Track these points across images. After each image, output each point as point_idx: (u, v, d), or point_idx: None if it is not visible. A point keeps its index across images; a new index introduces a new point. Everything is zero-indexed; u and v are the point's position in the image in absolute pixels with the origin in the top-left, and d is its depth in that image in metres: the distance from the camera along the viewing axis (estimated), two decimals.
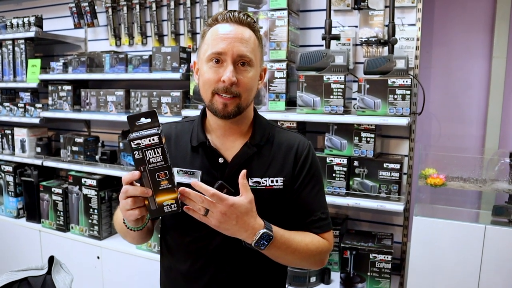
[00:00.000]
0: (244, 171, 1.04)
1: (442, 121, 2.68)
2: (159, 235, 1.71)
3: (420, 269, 2.06)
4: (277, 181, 1.19)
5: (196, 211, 1.01)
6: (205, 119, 1.26)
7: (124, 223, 1.11)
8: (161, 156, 0.97)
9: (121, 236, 1.28)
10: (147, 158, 0.97)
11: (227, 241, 1.12)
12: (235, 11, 1.15)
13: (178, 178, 1.18)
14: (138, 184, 1.00)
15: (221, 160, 1.19)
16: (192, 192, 0.99)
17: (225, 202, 0.99)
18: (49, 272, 1.73)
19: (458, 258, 1.99)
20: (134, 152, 0.96)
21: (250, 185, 1.14)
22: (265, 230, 1.05)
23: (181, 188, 1.00)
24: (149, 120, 1.00)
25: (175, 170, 1.19)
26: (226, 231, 1.04)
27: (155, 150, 0.97)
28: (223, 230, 1.03)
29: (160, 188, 0.98)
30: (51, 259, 1.76)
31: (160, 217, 1.26)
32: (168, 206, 1.00)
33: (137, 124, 1.00)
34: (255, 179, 1.17)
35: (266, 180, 1.18)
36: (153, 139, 0.96)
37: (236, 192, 1.10)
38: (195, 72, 1.23)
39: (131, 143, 0.96)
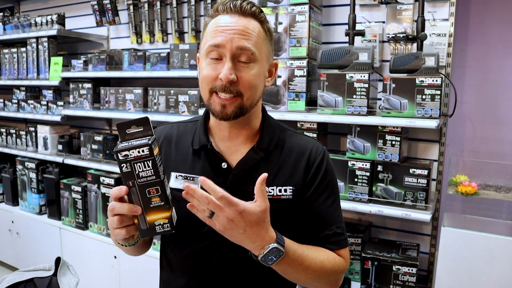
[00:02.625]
0: (264, 175, 0.90)
1: (476, 123, 2.49)
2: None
3: (448, 283, 1.90)
4: (285, 191, 1.07)
5: (200, 211, 0.89)
6: (209, 119, 1.15)
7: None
8: (152, 170, 0.86)
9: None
10: (136, 172, 0.86)
11: (227, 258, 1.02)
12: (236, 0, 1.02)
13: (177, 184, 1.08)
14: (127, 201, 0.89)
15: (224, 165, 1.07)
16: (198, 191, 0.86)
17: (233, 208, 0.86)
18: (55, 273, 1.69)
19: (490, 274, 1.82)
20: (122, 165, 0.86)
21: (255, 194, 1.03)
22: (275, 245, 0.92)
23: (185, 184, 0.87)
24: (141, 128, 0.89)
25: (173, 175, 1.09)
26: (231, 237, 0.91)
27: (145, 163, 0.85)
28: (228, 236, 0.91)
29: (151, 205, 0.88)
30: (58, 260, 1.72)
31: None
32: (160, 226, 0.89)
33: (128, 132, 0.89)
34: None
35: (273, 189, 1.06)
36: (143, 151, 0.85)
37: None
38: (198, 68, 1.13)
39: (118, 154, 0.85)
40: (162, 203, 0.88)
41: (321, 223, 1.09)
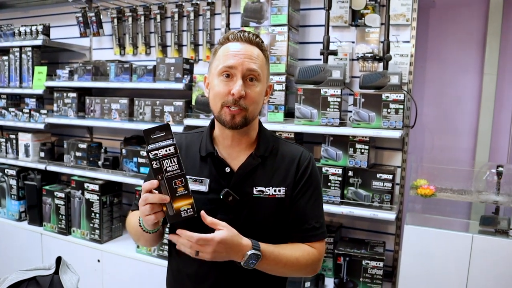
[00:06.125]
0: (209, 219, 1.12)
1: (435, 134, 2.77)
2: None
3: (411, 275, 2.15)
4: (279, 191, 1.27)
5: (188, 252, 1.12)
6: (213, 130, 1.34)
7: (141, 226, 1.20)
8: (177, 165, 1.05)
9: (133, 239, 1.37)
10: (164, 167, 1.04)
11: None
12: (245, 31, 1.24)
13: None
14: (157, 192, 1.08)
15: (227, 169, 1.27)
16: (180, 241, 1.11)
17: (211, 242, 1.09)
18: (56, 272, 1.80)
19: (447, 265, 2.09)
20: (152, 162, 1.04)
21: (254, 194, 1.25)
22: (252, 251, 1.14)
23: (170, 235, 1.11)
24: (163, 133, 1.08)
25: None
26: (220, 259, 1.14)
27: (172, 159, 1.05)
28: (217, 260, 1.14)
29: (177, 194, 1.06)
30: (59, 260, 1.83)
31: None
32: (185, 211, 1.08)
33: (152, 137, 1.07)
34: (259, 188, 1.26)
35: (269, 189, 1.26)
36: (170, 149, 1.04)
37: (241, 200, 1.21)
38: (205, 86, 1.32)
39: (149, 154, 1.04)
40: (186, 192, 1.07)
41: (302, 217, 1.30)
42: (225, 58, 1.21)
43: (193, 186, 1.25)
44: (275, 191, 1.27)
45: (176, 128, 2.68)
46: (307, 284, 2.37)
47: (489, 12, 2.55)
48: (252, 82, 1.22)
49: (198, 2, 3.02)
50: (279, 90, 2.44)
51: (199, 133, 1.38)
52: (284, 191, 1.28)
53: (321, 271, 2.52)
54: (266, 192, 1.26)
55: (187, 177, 1.26)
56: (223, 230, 1.11)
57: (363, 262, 2.29)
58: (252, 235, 1.22)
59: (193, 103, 2.73)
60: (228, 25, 2.80)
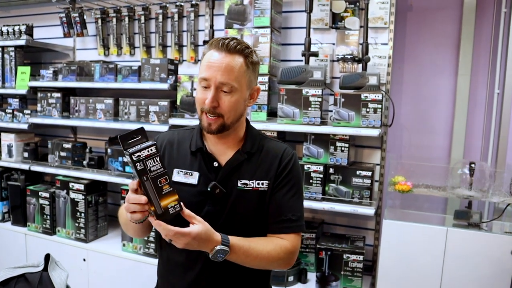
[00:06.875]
0: (184, 210, 1.16)
1: (412, 132, 2.88)
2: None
3: (390, 268, 2.24)
4: (262, 184, 1.35)
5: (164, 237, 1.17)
6: None
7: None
8: (160, 164, 1.09)
9: (123, 229, 1.44)
10: (149, 167, 1.08)
11: None
12: (227, 38, 1.27)
13: (178, 178, 1.33)
14: (141, 193, 1.11)
15: (215, 164, 1.34)
16: (159, 231, 1.15)
17: (186, 237, 1.14)
18: (45, 269, 1.84)
19: (423, 257, 2.19)
20: (136, 164, 1.07)
21: (238, 186, 1.32)
22: (221, 247, 1.19)
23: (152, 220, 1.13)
24: (139, 136, 1.11)
25: (175, 171, 1.34)
26: (191, 249, 1.19)
27: (154, 159, 1.09)
28: (188, 249, 1.18)
29: (163, 192, 1.10)
30: (47, 257, 1.87)
31: None
32: (173, 208, 1.12)
33: (128, 142, 1.10)
34: (243, 181, 1.33)
35: (253, 182, 1.34)
36: (152, 149, 1.08)
37: (227, 192, 1.29)
38: None
39: (132, 156, 1.07)
40: (171, 189, 1.12)
41: (279, 209, 1.36)
42: (203, 68, 1.27)
43: (183, 179, 1.32)
44: (258, 184, 1.34)
45: (161, 128, 2.73)
46: (291, 278, 2.45)
47: (463, 16, 2.67)
48: (226, 93, 1.26)
49: (182, 3, 3.07)
50: (263, 90, 2.50)
51: (190, 130, 1.45)
52: (266, 184, 1.35)
53: (304, 265, 2.60)
54: (250, 185, 1.33)
55: (178, 170, 1.33)
56: (198, 225, 1.16)
57: (344, 256, 2.38)
58: (237, 225, 1.30)
59: (178, 103, 2.77)
60: (212, 26, 2.86)
